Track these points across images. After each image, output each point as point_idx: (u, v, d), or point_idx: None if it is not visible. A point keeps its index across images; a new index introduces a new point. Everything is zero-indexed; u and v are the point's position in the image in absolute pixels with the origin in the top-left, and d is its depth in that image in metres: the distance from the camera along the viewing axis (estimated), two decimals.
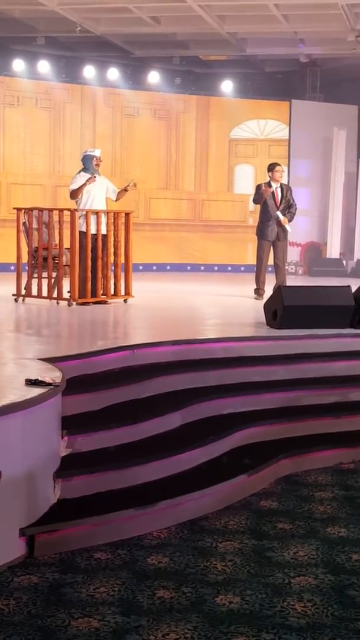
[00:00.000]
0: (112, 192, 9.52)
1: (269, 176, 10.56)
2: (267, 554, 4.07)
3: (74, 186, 9.23)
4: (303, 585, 3.70)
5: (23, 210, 9.47)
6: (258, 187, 10.60)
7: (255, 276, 10.63)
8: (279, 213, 10.36)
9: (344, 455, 5.78)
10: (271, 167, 10.60)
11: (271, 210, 10.38)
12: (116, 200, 9.57)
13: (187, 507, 4.55)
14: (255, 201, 10.63)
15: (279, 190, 10.45)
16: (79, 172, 9.39)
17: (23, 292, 9.36)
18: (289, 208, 10.47)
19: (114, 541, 4.16)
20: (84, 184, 9.13)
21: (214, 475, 4.87)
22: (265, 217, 10.49)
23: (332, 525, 4.51)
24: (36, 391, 4.27)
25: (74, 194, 9.24)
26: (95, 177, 9.25)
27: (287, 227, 10.45)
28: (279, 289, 7.59)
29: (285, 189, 10.52)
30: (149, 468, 4.72)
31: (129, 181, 9.56)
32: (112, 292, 9.35)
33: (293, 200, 10.57)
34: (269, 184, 10.46)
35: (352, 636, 3.24)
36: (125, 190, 9.46)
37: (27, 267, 9.40)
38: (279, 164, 10.68)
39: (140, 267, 14.24)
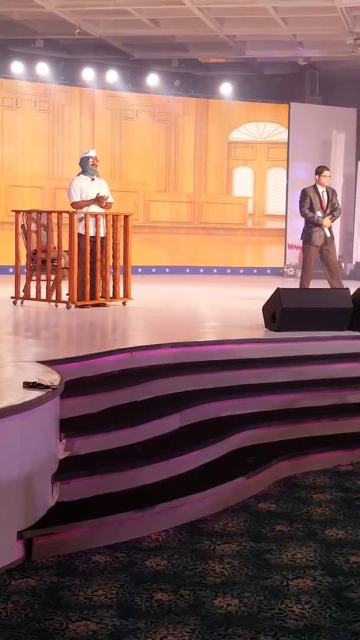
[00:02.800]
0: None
1: (316, 179, 10.00)
2: (265, 556, 4.07)
3: (76, 199, 9.21)
4: (301, 588, 3.70)
5: (22, 213, 9.46)
6: (304, 193, 9.95)
7: (300, 283, 9.96)
8: (326, 219, 9.84)
9: (342, 457, 5.78)
10: (319, 170, 10.05)
11: (318, 215, 9.80)
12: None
13: (186, 510, 4.55)
14: (303, 214, 9.90)
15: (324, 194, 9.95)
16: (78, 174, 9.40)
17: (21, 294, 9.35)
18: (333, 212, 9.98)
19: (112, 544, 4.16)
20: (88, 201, 9.12)
21: (213, 478, 4.87)
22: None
23: (330, 527, 4.51)
24: (34, 394, 4.27)
25: (76, 206, 9.21)
26: (94, 177, 9.30)
27: (326, 230, 9.84)
28: (277, 291, 7.59)
29: (331, 193, 10.01)
30: (147, 470, 4.72)
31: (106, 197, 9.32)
32: (111, 295, 9.35)
33: (338, 204, 10.11)
34: (314, 188, 9.96)
35: (350, 638, 3.24)
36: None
37: (25, 270, 9.40)
38: (327, 168, 10.19)
39: (139, 270, 14.24)
